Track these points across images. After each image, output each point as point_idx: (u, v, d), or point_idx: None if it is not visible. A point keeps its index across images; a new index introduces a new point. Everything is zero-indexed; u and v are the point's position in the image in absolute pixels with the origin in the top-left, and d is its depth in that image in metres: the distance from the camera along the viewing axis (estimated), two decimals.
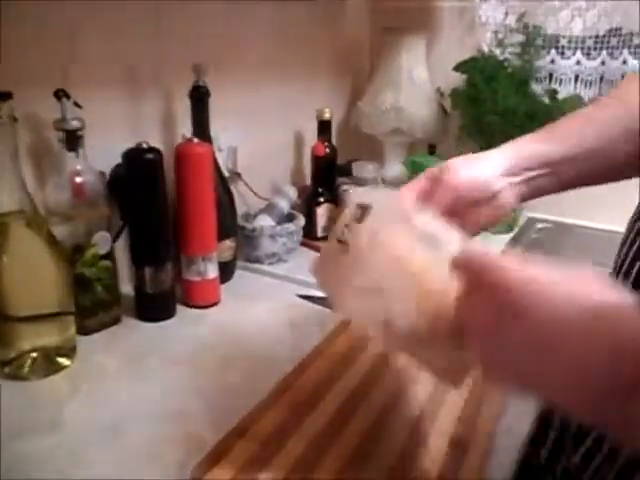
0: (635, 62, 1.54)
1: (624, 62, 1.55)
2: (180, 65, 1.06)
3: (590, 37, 1.59)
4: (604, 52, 1.59)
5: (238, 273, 1.20)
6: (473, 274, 0.47)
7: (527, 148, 0.67)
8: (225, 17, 1.22)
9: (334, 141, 1.41)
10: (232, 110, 1.23)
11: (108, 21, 0.99)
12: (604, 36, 1.58)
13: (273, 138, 1.43)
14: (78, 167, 0.87)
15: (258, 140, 1.35)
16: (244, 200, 1.32)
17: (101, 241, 0.91)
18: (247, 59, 1.31)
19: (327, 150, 1.34)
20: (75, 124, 0.85)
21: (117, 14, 1.00)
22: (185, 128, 1.07)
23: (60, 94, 0.84)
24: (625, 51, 1.55)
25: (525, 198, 0.68)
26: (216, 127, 1.11)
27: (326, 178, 1.35)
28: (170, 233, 1.00)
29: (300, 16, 1.44)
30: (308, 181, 1.44)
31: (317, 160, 1.35)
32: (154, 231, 0.97)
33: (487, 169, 0.66)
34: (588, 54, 1.60)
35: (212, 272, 1.05)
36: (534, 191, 0.68)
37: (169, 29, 1.10)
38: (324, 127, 1.36)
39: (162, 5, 1.07)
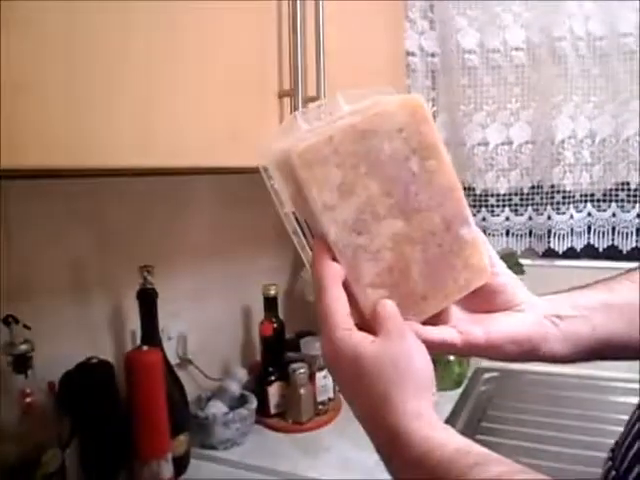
0: (558, 217, 1.63)
1: (549, 217, 1.65)
2: (125, 259, 1.10)
3: (516, 194, 1.70)
4: (529, 208, 1.69)
5: (192, 463, 1.17)
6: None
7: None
8: (166, 200, 1.26)
9: (280, 312, 1.43)
10: (179, 296, 1.26)
11: (51, 219, 1.01)
12: (528, 193, 1.69)
13: (221, 317, 1.44)
14: (27, 390, 0.87)
15: (206, 321, 1.36)
16: (196, 383, 1.32)
17: (51, 460, 0.90)
18: (191, 243, 1.34)
19: (275, 327, 1.36)
20: (24, 348, 0.85)
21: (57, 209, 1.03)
22: (134, 325, 1.09)
23: (9, 320, 0.85)
24: (549, 207, 1.65)
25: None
26: (164, 314, 1.12)
27: (275, 356, 1.36)
28: (122, 442, 0.98)
29: (240, 193, 1.49)
30: (258, 355, 1.44)
31: (265, 340, 1.36)
32: (106, 443, 0.96)
33: None
34: (516, 210, 1.70)
35: (167, 472, 1.03)
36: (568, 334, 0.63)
37: (111, 224, 1.12)
38: (270, 304, 1.38)
39: (103, 202, 1.10)
